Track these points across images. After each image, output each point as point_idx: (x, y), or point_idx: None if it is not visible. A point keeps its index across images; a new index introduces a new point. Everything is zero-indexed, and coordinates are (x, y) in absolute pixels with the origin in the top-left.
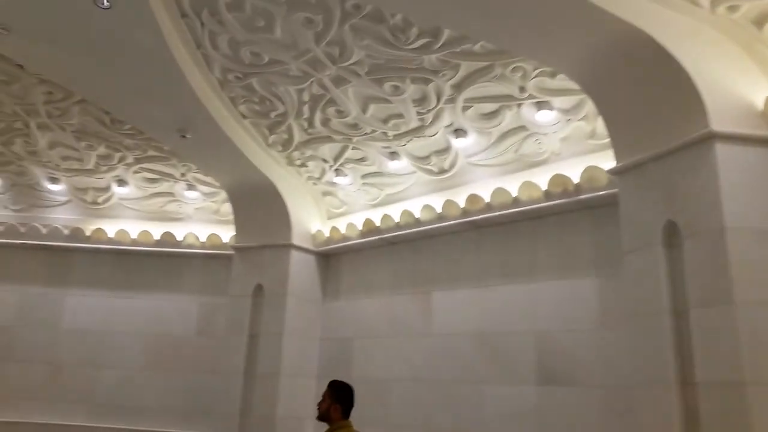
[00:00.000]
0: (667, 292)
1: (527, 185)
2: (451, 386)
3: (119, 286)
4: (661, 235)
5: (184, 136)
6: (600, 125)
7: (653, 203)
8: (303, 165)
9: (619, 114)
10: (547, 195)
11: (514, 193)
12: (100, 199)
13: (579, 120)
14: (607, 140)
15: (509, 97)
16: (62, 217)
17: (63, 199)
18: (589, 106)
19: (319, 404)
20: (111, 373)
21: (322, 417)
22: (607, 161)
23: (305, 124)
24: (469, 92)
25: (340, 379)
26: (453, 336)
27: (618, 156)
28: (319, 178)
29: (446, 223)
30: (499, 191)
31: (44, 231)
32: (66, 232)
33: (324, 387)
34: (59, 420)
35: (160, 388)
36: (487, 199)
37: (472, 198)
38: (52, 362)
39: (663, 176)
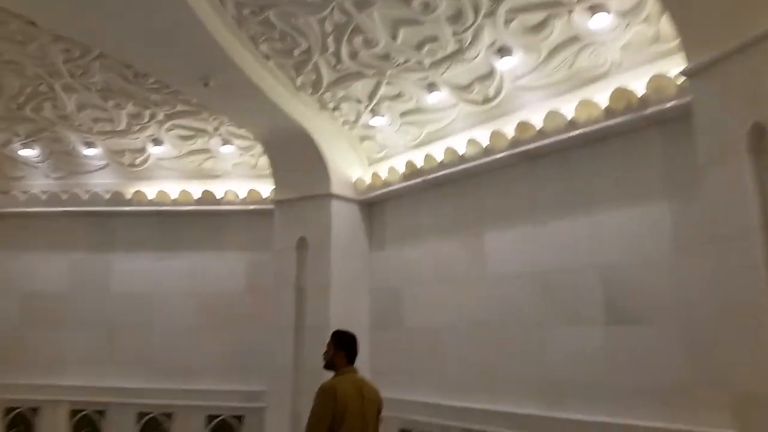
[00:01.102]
0: (757, 206)
1: (585, 105)
2: (508, 331)
3: (164, 247)
4: (747, 140)
5: (207, 84)
6: (665, 26)
7: (735, 105)
8: (336, 108)
9: (689, 7)
10: (608, 113)
11: (570, 116)
12: (137, 161)
13: (640, 23)
14: (675, 43)
15: (557, 4)
16: (102, 182)
17: (101, 163)
18: (651, 5)
19: (324, 353)
20: (163, 334)
21: (328, 365)
22: (676, 67)
23: (332, 60)
24: (511, 2)
25: (385, 328)
26: (508, 278)
27: (690, 56)
28: (354, 122)
29: (494, 157)
30: (552, 115)
31: (85, 197)
32: (107, 196)
33: (376, 338)
34: (117, 383)
35: (212, 347)
36: (538, 125)
37: (522, 126)
38: (105, 326)
39: (745, 73)
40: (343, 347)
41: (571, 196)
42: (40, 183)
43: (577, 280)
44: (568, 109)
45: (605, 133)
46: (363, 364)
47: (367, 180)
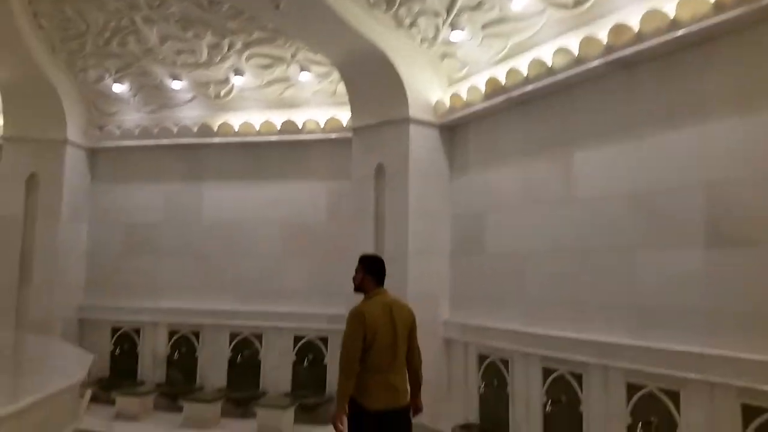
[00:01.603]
0: None
1: (689, 1)
2: (598, 256)
3: (250, 177)
4: None
5: (278, 7)
6: None
7: None
8: (413, 24)
9: None
10: (718, 8)
11: (672, 14)
12: (221, 93)
13: None
14: None
15: None
16: (190, 114)
17: (188, 96)
18: None
19: (354, 278)
20: (251, 260)
21: (357, 288)
22: None
23: None
24: None
25: (466, 254)
26: (600, 200)
27: None
28: (433, 38)
29: (586, 67)
30: (651, 15)
31: (175, 130)
32: (195, 128)
33: (457, 265)
34: (210, 306)
35: (297, 273)
36: (636, 27)
37: (618, 29)
38: (198, 253)
39: None
40: (371, 271)
41: (673, 106)
42: (132, 117)
43: (676, 199)
44: (669, 7)
45: (714, 31)
46: (442, 290)
47: (447, 102)
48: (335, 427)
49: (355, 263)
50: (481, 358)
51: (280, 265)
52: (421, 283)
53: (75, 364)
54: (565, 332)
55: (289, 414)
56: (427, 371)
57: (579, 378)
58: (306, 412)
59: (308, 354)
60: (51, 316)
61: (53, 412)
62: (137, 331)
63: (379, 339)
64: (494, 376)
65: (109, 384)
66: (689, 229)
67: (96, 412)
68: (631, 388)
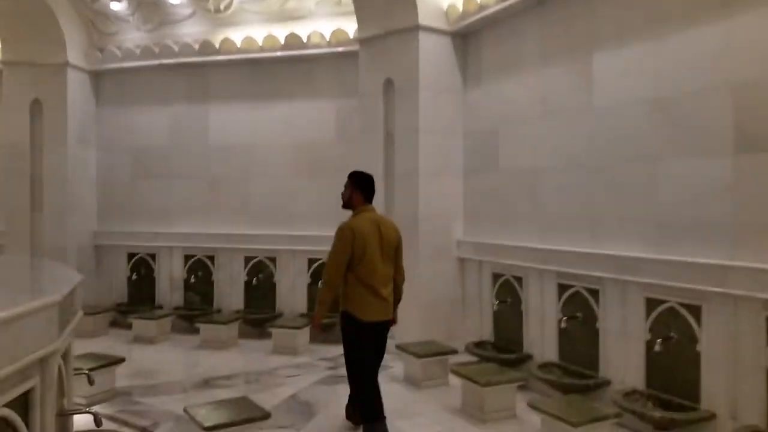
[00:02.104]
0: None
1: None
2: (617, 168)
3: (256, 97)
4: None
5: None
6: None
7: None
8: None
9: None
10: None
11: None
12: (221, 6)
13: None
14: None
15: None
16: (190, 31)
17: (187, 11)
18: None
19: (342, 194)
20: (261, 183)
21: (345, 205)
22: None
23: None
24: None
25: (480, 171)
26: (620, 107)
27: None
28: None
29: None
30: None
31: (176, 48)
32: (196, 46)
33: (470, 182)
34: (223, 230)
35: (307, 195)
36: None
37: None
38: (208, 177)
39: None
40: (360, 187)
41: (698, 1)
42: (132, 37)
43: (702, 103)
44: None
45: None
46: (455, 210)
47: (460, 6)
48: (316, 328)
49: None
50: (496, 276)
51: (290, 188)
52: (433, 203)
53: (59, 285)
54: (581, 247)
55: (304, 334)
56: (441, 291)
57: (595, 294)
58: (324, 332)
59: (322, 275)
60: (65, 243)
61: (22, 333)
62: (153, 256)
63: (369, 253)
64: (509, 294)
65: (128, 309)
66: (715, 136)
67: (115, 336)
68: (651, 303)
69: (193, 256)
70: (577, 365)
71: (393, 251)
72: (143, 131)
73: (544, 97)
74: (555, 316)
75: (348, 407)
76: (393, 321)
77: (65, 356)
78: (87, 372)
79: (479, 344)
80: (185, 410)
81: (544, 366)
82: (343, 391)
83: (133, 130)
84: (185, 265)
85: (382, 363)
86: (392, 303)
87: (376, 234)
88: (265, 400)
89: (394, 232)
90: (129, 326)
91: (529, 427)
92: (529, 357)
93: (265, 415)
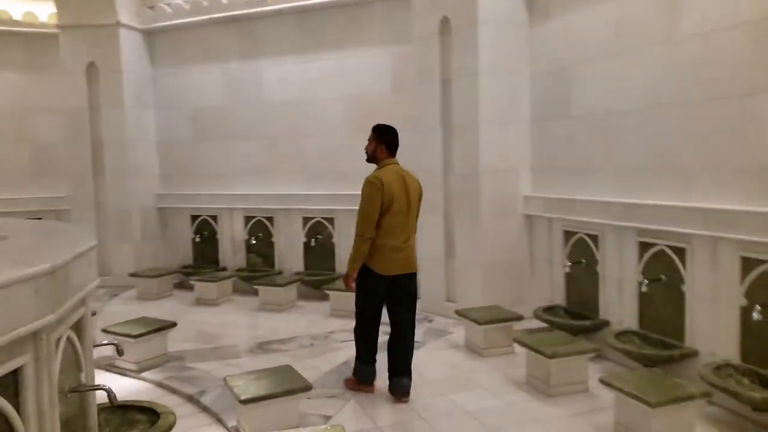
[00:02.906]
0: None
1: None
2: (707, 108)
3: (307, 49)
4: None
5: None
6: None
7: None
8: None
9: None
10: None
11: None
12: None
13: None
14: None
15: None
16: None
17: None
18: None
19: (366, 147)
20: (315, 140)
21: (370, 159)
22: None
23: None
24: None
25: (549, 118)
26: (712, 34)
27: None
28: None
29: None
30: None
31: (225, 1)
32: None
33: (537, 131)
34: (281, 190)
35: (361, 152)
36: None
37: None
38: (262, 137)
39: None
40: (383, 140)
41: None
42: None
43: None
44: None
45: None
46: (522, 162)
47: None
48: (347, 286)
49: (423, 136)
50: (568, 234)
51: (345, 145)
52: (495, 155)
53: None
54: (666, 200)
55: None
56: (506, 251)
57: (682, 253)
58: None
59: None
60: (128, 205)
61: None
62: (215, 218)
63: (395, 206)
64: (582, 254)
65: (193, 271)
66: None
67: (179, 298)
68: (747, 264)
69: (253, 218)
70: (660, 334)
71: (417, 203)
72: (199, 91)
73: (622, 29)
74: (635, 278)
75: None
76: None
77: (78, 328)
78: (115, 343)
79: (549, 309)
80: (225, 380)
81: (622, 334)
82: None
83: (189, 89)
84: (246, 227)
85: (432, 325)
86: (415, 255)
87: (402, 186)
88: (317, 366)
89: (418, 185)
90: (193, 288)
91: (601, 403)
92: (605, 324)
93: (306, 387)
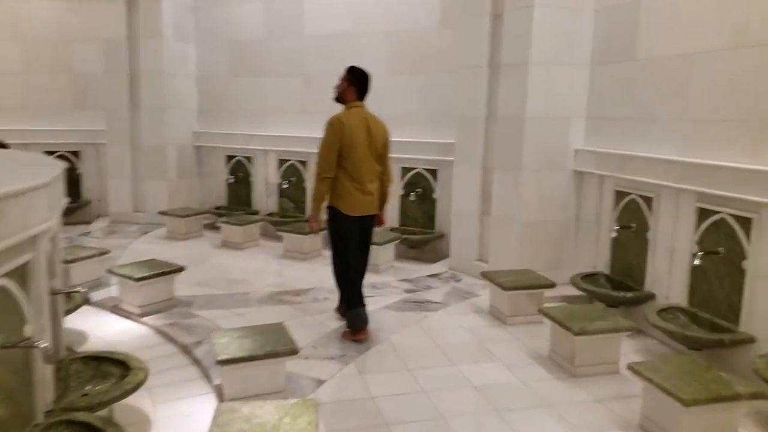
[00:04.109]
0: None
1: None
2: None
3: None
4: None
5: None
6: None
7: None
8: None
9: None
10: None
11: None
12: None
13: None
14: None
15: None
16: None
17: None
18: None
19: (337, 86)
20: None
21: (338, 98)
22: None
23: None
24: None
25: (610, 61)
26: None
27: None
28: None
29: None
30: None
31: None
32: None
33: (597, 75)
34: (315, 133)
35: (404, 95)
36: None
37: None
38: (302, 73)
39: None
40: (355, 82)
41: None
42: None
43: None
44: None
45: None
46: (576, 111)
47: None
48: (311, 228)
49: (466, 76)
50: (619, 195)
51: (386, 87)
52: (545, 101)
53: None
54: (735, 161)
55: (388, 250)
56: (550, 210)
57: (746, 224)
58: (411, 248)
59: (417, 188)
60: (164, 142)
61: (17, 210)
62: (249, 159)
63: (357, 149)
64: (633, 218)
65: (224, 212)
66: None
67: (207, 239)
68: None
69: (287, 161)
70: (712, 314)
71: (381, 149)
72: (240, 23)
73: None
74: (689, 248)
75: (339, 307)
76: (380, 221)
77: (53, 240)
78: (81, 291)
79: (589, 277)
80: (211, 335)
81: (667, 310)
82: (413, 320)
83: (229, 21)
84: (279, 170)
85: (458, 285)
86: (378, 199)
87: (364, 129)
88: (323, 322)
89: (383, 130)
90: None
91: (632, 388)
92: (649, 297)
93: (292, 351)
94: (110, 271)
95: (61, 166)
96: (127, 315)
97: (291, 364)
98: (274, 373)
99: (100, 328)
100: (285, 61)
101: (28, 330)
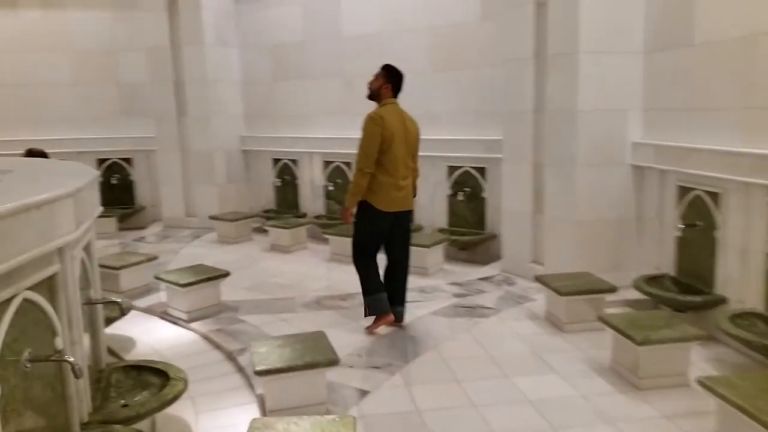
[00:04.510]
0: None
1: None
2: None
3: None
4: None
5: None
6: None
7: None
8: None
9: None
10: None
11: None
12: None
13: None
14: None
15: None
16: None
17: None
18: None
19: (370, 83)
20: None
21: (372, 95)
22: None
23: None
24: None
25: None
26: None
27: None
28: None
29: None
30: None
31: None
32: None
33: (652, 63)
34: (357, 134)
35: (446, 92)
36: None
37: None
38: (340, 75)
39: None
40: (391, 80)
41: None
42: None
43: None
44: None
45: None
46: (631, 101)
47: None
48: (345, 219)
49: (511, 70)
50: (683, 190)
51: (426, 83)
52: (597, 92)
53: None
54: None
55: (437, 252)
56: (606, 208)
57: None
58: (461, 249)
59: (464, 187)
60: (210, 147)
61: (37, 222)
62: (295, 162)
63: (395, 144)
64: (698, 215)
65: (273, 215)
66: None
67: (256, 243)
68: None
69: (331, 162)
70: None
71: (414, 144)
72: (279, 26)
73: None
74: (763, 248)
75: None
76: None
77: (88, 250)
78: (118, 300)
79: (653, 280)
80: (251, 344)
81: (741, 316)
82: (463, 327)
83: (269, 25)
84: (325, 172)
85: (512, 289)
86: (411, 194)
87: (401, 126)
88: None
89: (415, 126)
90: None
91: (704, 403)
92: (721, 301)
93: (331, 361)
94: (157, 278)
95: (93, 174)
96: (174, 321)
97: (334, 374)
98: (314, 384)
99: (149, 334)
100: (325, 63)
101: (58, 342)
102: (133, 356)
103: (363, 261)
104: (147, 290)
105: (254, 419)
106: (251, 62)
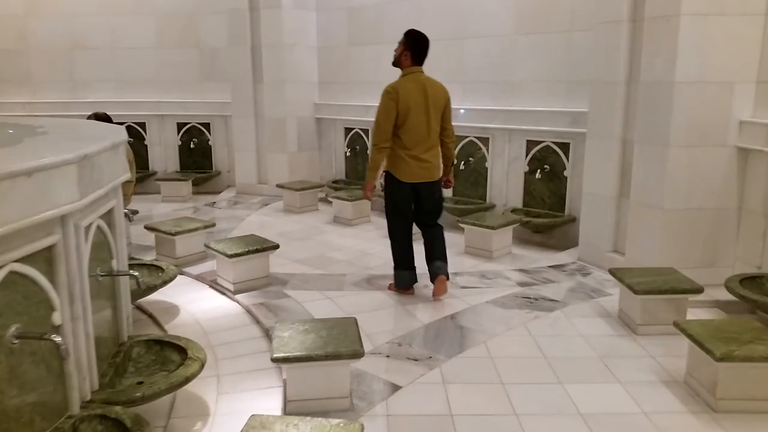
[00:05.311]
0: None
1: None
2: None
3: None
4: None
5: None
6: None
7: None
8: None
9: None
10: None
11: None
12: None
13: None
14: None
15: None
16: None
17: None
18: None
19: (395, 50)
20: (475, 44)
21: (395, 63)
22: None
23: None
24: None
25: None
26: None
27: None
28: None
29: None
30: None
31: None
32: None
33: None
34: None
35: (532, 59)
36: None
37: None
38: None
39: None
40: (411, 47)
41: None
42: None
43: None
44: None
45: None
46: (741, 70)
47: None
48: (366, 196)
49: (603, 33)
50: None
51: (511, 48)
52: (701, 61)
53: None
54: None
55: (504, 234)
56: (703, 195)
57: None
58: (535, 232)
59: (544, 164)
60: (284, 114)
61: (32, 190)
62: (365, 132)
63: (412, 116)
64: None
65: (342, 186)
66: None
67: (321, 214)
68: None
69: None
70: None
71: (440, 113)
72: None
73: None
74: None
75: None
76: (447, 182)
77: (109, 219)
78: (135, 274)
79: (751, 280)
80: (275, 326)
81: None
82: (520, 320)
83: None
84: None
85: (585, 280)
86: (437, 166)
87: (421, 95)
88: (416, 315)
89: (443, 93)
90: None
91: None
92: None
93: (356, 353)
94: (207, 246)
95: (115, 139)
96: (222, 291)
97: (366, 363)
98: (336, 375)
99: (194, 303)
100: (402, 26)
101: (56, 318)
102: (173, 326)
103: (395, 233)
104: (203, 257)
105: (252, 416)
106: (327, 26)
